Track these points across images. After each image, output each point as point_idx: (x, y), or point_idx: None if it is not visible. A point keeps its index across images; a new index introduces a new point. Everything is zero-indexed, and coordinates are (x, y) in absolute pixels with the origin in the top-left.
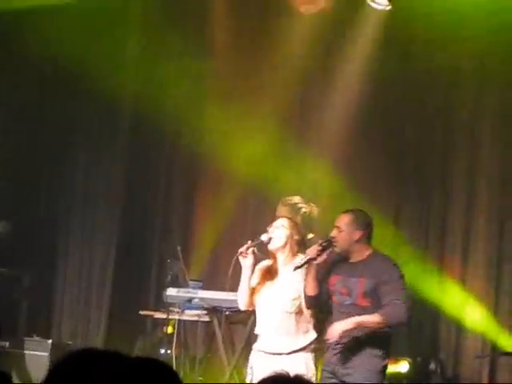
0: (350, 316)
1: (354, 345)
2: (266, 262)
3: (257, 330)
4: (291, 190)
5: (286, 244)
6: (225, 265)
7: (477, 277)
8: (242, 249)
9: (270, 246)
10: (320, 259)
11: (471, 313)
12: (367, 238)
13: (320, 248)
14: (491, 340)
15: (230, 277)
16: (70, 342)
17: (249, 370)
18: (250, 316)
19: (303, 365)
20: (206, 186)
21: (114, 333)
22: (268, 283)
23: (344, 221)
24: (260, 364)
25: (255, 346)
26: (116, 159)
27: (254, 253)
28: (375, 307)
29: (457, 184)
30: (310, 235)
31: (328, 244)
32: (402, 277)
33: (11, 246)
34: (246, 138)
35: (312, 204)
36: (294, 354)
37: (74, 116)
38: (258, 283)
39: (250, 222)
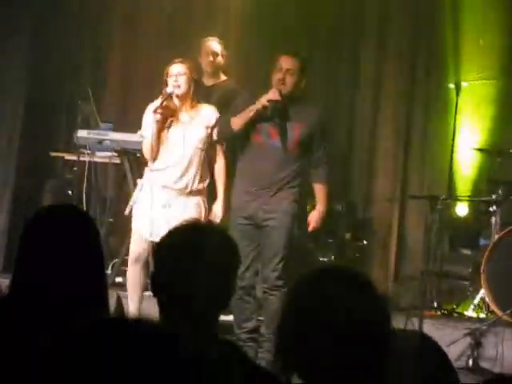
0: (272, 159)
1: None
2: (161, 106)
3: (158, 165)
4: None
5: (189, 89)
6: (136, 107)
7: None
8: (158, 107)
9: (176, 95)
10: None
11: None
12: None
13: (277, 92)
14: (401, 183)
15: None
16: None
17: (135, 197)
18: None
19: (199, 205)
20: (119, 28)
21: (25, 174)
22: (173, 123)
23: (296, 65)
24: (158, 197)
25: (154, 179)
26: None
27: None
28: (300, 156)
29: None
30: (223, 77)
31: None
32: (326, 125)
33: None
34: None
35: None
36: (192, 195)
37: None
38: (162, 125)
39: (162, 61)
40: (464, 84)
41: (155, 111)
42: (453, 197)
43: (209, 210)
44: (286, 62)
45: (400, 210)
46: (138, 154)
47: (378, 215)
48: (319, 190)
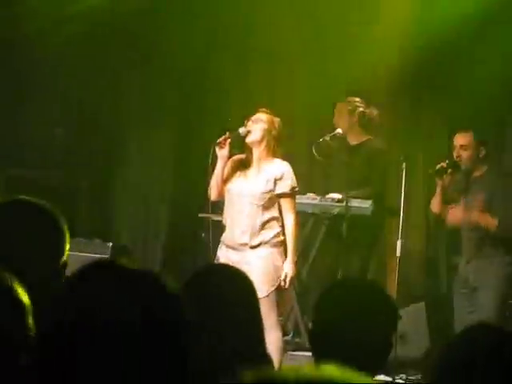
0: (472, 232)
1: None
2: (241, 155)
3: (224, 221)
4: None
5: (262, 138)
6: None
7: None
8: (220, 139)
9: (247, 140)
10: (446, 179)
11: None
12: (488, 155)
13: (445, 166)
14: None
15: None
16: (128, 245)
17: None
18: (307, 219)
19: (267, 258)
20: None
21: (173, 236)
22: (241, 175)
23: (467, 139)
24: (225, 256)
25: (222, 239)
26: None
27: (230, 144)
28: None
29: None
30: (339, 130)
31: (453, 165)
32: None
33: (68, 151)
34: None
35: (373, 107)
36: (258, 248)
37: None
38: (231, 174)
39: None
40: None
41: (218, 144)
42: None
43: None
44: (458, 139)
45: None
46: None
47: None
48: None
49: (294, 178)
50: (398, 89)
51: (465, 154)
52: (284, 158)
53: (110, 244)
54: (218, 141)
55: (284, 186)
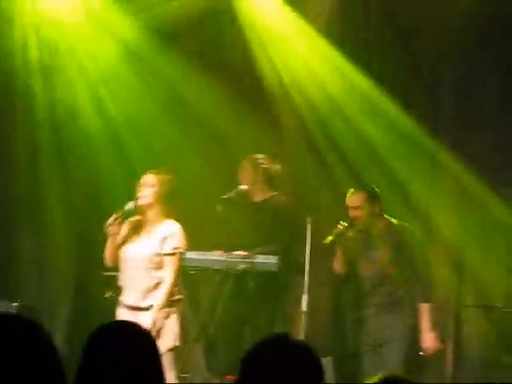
0: (378, 287)
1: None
2: (135, 218)
3: (120, 284)
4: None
5: (152, 202)
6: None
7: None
8: (110, 221)
9: (139, 204)
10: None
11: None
12: (383, 209)
13: (340, 230)
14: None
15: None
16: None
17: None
18: (213, 276)
19: (160, 319)
20: None
21: (80, 294)
22: (134, 238)
23: (360, 198)
24: (122, 318)
25: (119, 301)
26: None
27: (120, 223)
28: (400, 273)
29: None
30: (243, 187)
31: (349, 226)
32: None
33: None
34: None
35: (277, 162)
36: (151, 309)
37: None
38: (125, 238)
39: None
40: None
41: (108, 226)
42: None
43: None
44: (351, 200)
45: (455, 319)
46: (192, 272)
47: None
48: None
49: (180, 238)
50: (303, 141)
51: (359, 214)
52: (187, 216)
53: (16, 303)
54: (108, 223)
55: (167, 247)
